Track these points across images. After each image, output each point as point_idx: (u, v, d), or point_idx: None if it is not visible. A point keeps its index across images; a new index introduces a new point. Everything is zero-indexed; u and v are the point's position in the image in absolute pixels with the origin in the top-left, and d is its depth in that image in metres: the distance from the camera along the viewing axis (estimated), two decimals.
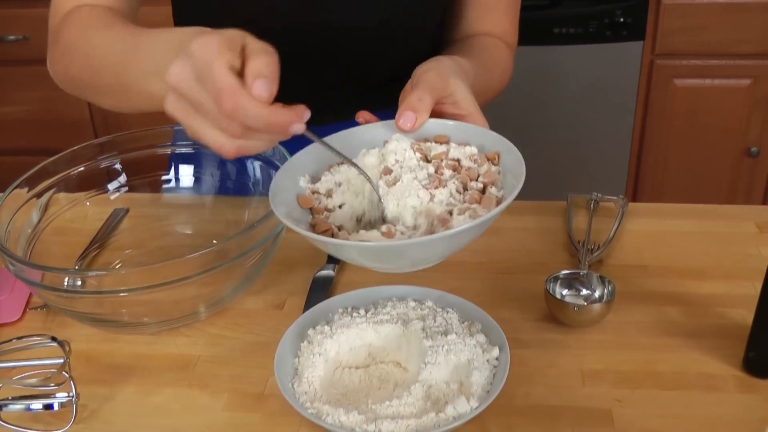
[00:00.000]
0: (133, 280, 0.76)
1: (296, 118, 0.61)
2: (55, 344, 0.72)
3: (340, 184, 0.74)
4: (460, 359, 0.67)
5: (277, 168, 0.92)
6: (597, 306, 0.79)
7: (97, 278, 0.81)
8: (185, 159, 1.00)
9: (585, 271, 0.83)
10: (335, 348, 0.71)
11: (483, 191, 0.70)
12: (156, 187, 1.02)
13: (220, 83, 0.59)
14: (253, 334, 0.83)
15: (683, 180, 2.24)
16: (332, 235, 0.67)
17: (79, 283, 0.90)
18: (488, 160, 0.73)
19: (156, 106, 0.76)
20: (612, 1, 2.05)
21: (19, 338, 0.74)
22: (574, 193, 1.01)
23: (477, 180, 0.71)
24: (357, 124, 0.80)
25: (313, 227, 0.69)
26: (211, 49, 0.60)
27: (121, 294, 0.76)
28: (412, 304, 0.74)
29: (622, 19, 2.05)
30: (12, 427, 0.73)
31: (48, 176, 0.94)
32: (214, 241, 0.90)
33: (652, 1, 2.04)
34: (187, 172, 1.00)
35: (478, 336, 0.71)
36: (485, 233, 0.94)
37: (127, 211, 1.03)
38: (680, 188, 2.26)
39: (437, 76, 0.77)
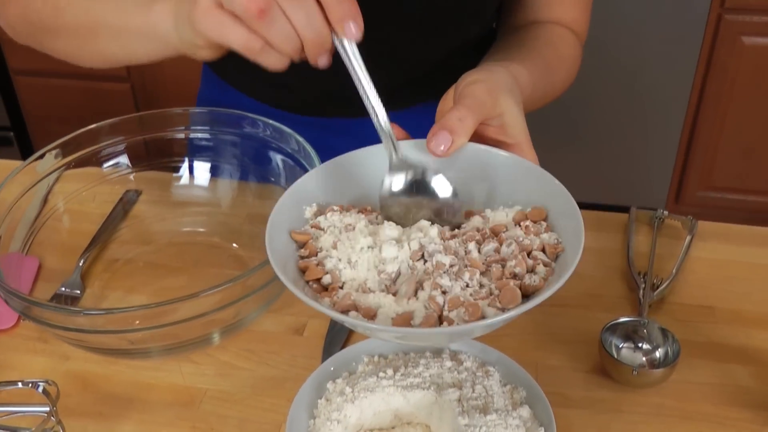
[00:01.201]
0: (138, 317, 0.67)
1: (355, 15, 0.56)
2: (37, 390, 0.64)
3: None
4: None
5: (300, 164, 0.82)
6: (659, 371, 0.69)
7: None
8: (203, 146, 0.89)
9: (646, 321, 0.73)
10: (356, 414, 0.62)
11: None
12: (170, 172, 0.92)
13: None
14: (268, 365, 0.75)
15: (739, 148, 2.10)
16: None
17: (77, 291, 0.83)
18: (537, 220, 0.59)
19: (133, 44, 0.71)
20: None
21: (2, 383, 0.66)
22: (637, 208, 0.90)
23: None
24: (400, 114, 0.68)
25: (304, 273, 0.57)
26: None
27: (120, 334, 0.67)
28: (449, 363, 0.65)
29: None
30: None
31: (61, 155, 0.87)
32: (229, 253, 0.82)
33: None
34: (204, 160, 0.89)
35: (522, 410, 0.62)
36: None
37: (140, 194, 0.94)
38: (735, 158, 2.11)
39: (485, 92, 0.63)
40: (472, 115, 0.61)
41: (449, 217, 0.61)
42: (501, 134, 0.64)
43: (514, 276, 0.55)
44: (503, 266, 0.55)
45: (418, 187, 0.61)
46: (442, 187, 0.61)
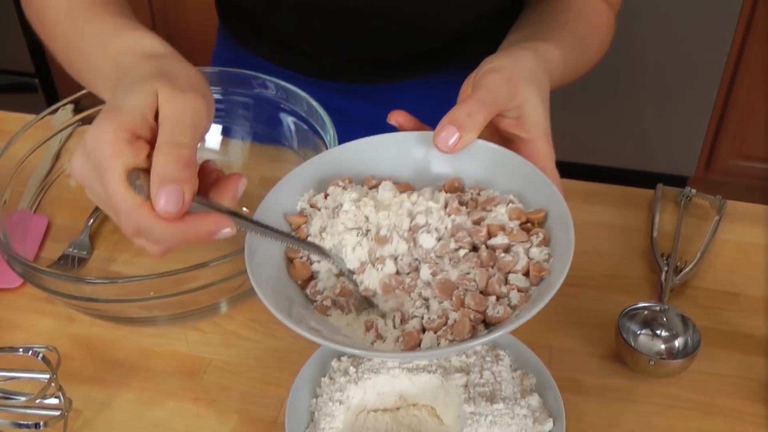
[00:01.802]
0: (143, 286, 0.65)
1: (217, 226, 0.50)
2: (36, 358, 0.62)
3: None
4: None
5: (312, 127, 0.79)
6: (677, 362, 0.66)
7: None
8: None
9: (666, 307, 0.70)
10: (359, 395, 0.60)
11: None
12: None
13: (115, 201, 0.49)
14: (274, 337, 0.73)
15: None
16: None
17: (84, 253, 0.81)
18: (532, 227, 0.55)
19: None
20: None
21: (1, 349, 0.64)
22: (664, 185, 0.86)
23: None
24: (419, 82, 0.64)
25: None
26: (105, 149, 0.48)
27: (124, 303, 0.65)
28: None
29: None
30: None
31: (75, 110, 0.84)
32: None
33: None
34: (215, 121, 0.86)
35: (531, 398, 0.59)
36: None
37: None
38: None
39: (504, 82, 0.58)
40: (484, 108, 0.57)
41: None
42: (517, 127, 0.59)
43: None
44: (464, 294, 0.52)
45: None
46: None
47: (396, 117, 0.62)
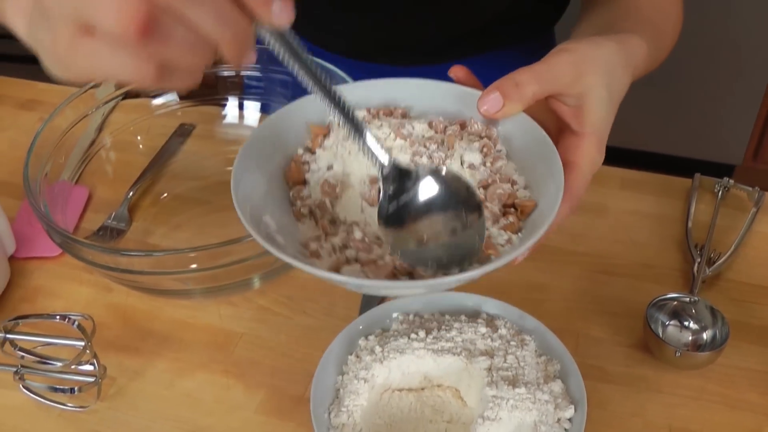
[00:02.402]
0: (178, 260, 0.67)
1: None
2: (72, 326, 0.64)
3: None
4: (526, 420, 0.57)
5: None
6: (704, 355, 0.66)
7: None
8: (254, 85, 0.88)
9: (696, 298, 0.70)
10: (384, 374, 0.61)
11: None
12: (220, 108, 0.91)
13: None
14: (305, 313, 0.74)
15: None
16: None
17: (123, 225, 0.83)
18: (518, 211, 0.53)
19: None
20: None
21: (39, 315, 0.67)
22: (702, 175, 0.85)
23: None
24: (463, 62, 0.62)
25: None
26: None
27: (159, 275, 0.67)
28: (483, 330, 0.63)
29: None
30: (36, 398, 0.67)
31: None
32: None
33: None
34: (255, 99, 0.88)
35: (554, 384, 0.60)
36: (589, 212, 0.82)
37: (193, 128, 0.93)
38: None
39: (569, 64, 0.54)
40: (536, 83, 0.53)
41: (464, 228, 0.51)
42: (573, 118, 0.55)
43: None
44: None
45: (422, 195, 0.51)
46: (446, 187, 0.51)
47: (456, 71, 0.59)
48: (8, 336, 0.66)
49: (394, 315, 0.66)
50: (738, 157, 2.12)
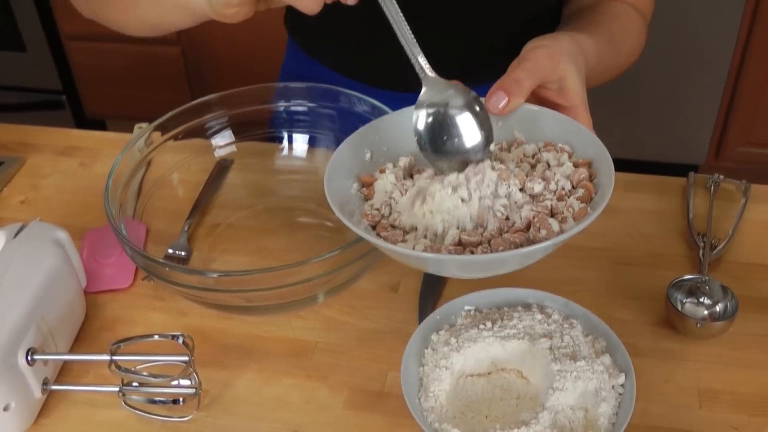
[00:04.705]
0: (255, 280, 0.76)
1: None
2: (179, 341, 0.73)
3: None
4: (588, 387, 0.67)
5: None
6: (720, 324, 0.78)
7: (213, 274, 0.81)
8: (300, 119, 0.97)
9: (707, 278, 0.81)
10: (461, 362, 0.71)
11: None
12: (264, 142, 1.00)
13: None
14: (368, 320, 0.83)
15: None
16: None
17: (184, 253, 0.91)
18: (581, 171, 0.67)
19: (167, 13, 0.76)
20: None
21: (141, 336, 0.75)
22: (695, 173, 0.97)
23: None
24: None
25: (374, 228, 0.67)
26: None
27: (235, 292, 0.76)
28: (539, 316, 0.73)
29: None
30: (138, 412, 0.75)
31: (163, 129, 0.94)
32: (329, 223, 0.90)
33: None
34: (301, 131, 0.97)
35: (604, 358, 0.70)
36: (602, 214, 0.94)
37: (232, 162, 1.02)
38: None
39: (546, 56, 0.69)
40: (530, 77, 0.67)
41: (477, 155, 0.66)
42: (559, 97, 0.70)
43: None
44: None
45: (449, 122, 0.66)
46: (468, 126, 0.66)
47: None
48: (114, 358, 0.74)
49: (464, 310, 0.76)
50: (701, 157, 2.27)
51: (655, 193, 0.97)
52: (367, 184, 0.70)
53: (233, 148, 0.98)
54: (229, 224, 0.97)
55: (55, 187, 1.07)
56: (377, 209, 0.68)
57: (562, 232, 0.61)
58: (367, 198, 0.69)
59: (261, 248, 0.93)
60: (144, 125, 1.14)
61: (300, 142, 0.96)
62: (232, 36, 2.23)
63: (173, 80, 2.49)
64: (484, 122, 0.66)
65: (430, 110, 0.66)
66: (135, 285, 0.90)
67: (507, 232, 0.63)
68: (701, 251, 0.86)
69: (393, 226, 0.66)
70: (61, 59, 2.57)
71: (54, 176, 1.08)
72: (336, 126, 0.92)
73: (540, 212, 0.63)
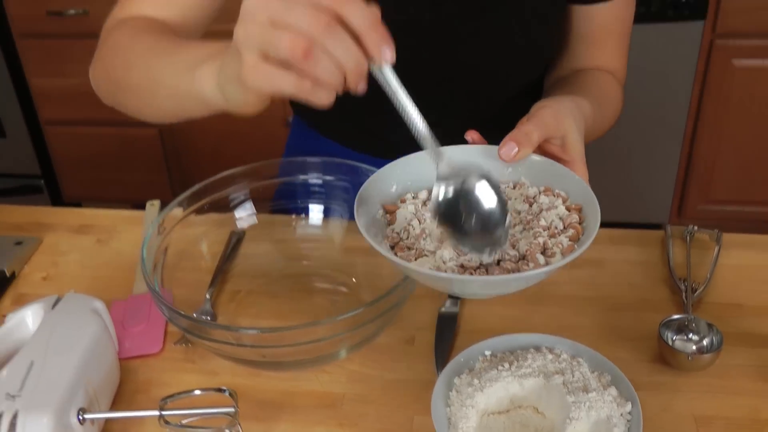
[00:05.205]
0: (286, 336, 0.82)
1: (389, 41, 0.62)
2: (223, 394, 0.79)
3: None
4: (600, 415, 0.75)
5: None
6: (708, 356, 0.86)
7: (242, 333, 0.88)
8: (315, 191, 1.05)
9: (692, 317, 0.90)
10: (484, 400, 0.78)
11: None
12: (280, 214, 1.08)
13: None
14: (390, 371, 0.91)
15: (735, 163, 2.29)
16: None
17: (209, 318, 0.97)
18: (572, 215, 0.78)
19: (184, 103, 0.81)
20: None
21: (188, 391, 0.81)
22: (671, 225, 1.08)
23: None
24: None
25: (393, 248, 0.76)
26: None
27: (270, 348, 0.83)
28: (550, 356, 0.82)
29: None
30: None
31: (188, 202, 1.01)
32: (345, 285, 0.96)
33: None
34: (317, 202, 1.06)
35: (611, 389, 0.79)
36: (592, 266, 1.03)
37: (244, 233, 1.10)
38: (732, 173, 2.31)
39: (552, 115, 0.79)
40: (537, 131, 0.77)
41: (493, 228, 0.72)
42: (561, 151, 0.80)
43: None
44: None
45: (466, 193, 0.72)
46: (486, 195, 0.72)
47: (471, 134, 0.81)
48: (163, 413, 0.80)
49: (482, 354, 0.84)
50: (664, 216, 2.41)
51: (637, 245, 1.07)
52: (390, 212, 0.80)
53: (254, 219, 1.05)
54: (249, 290, 1.03)
55: (75, 263, 1.12)
56: (397, 233, 0.78)
57: (547, 264, 0.72)
58: (389, 223, 0.80)
59: (282, 311, 1.00)
60: (156, 202, 1.22)
61: (316, 211, 1.04)
62: (210, 118, 2.32)
63: (151, 161, 2.56)
64: (501, 202, 0.73)
65: (450, 187, 0.74)
66: (165, 350, 0.96)
67: (502, 260, 0.74)
68: (684, 294, 0.95)
69: (409, 248, 0.77)
70: (40, 144, 2.62)
71: (72, 253, 1.14)
72: (349, 197, 1.01)
73: (532, 248, 0.74)
